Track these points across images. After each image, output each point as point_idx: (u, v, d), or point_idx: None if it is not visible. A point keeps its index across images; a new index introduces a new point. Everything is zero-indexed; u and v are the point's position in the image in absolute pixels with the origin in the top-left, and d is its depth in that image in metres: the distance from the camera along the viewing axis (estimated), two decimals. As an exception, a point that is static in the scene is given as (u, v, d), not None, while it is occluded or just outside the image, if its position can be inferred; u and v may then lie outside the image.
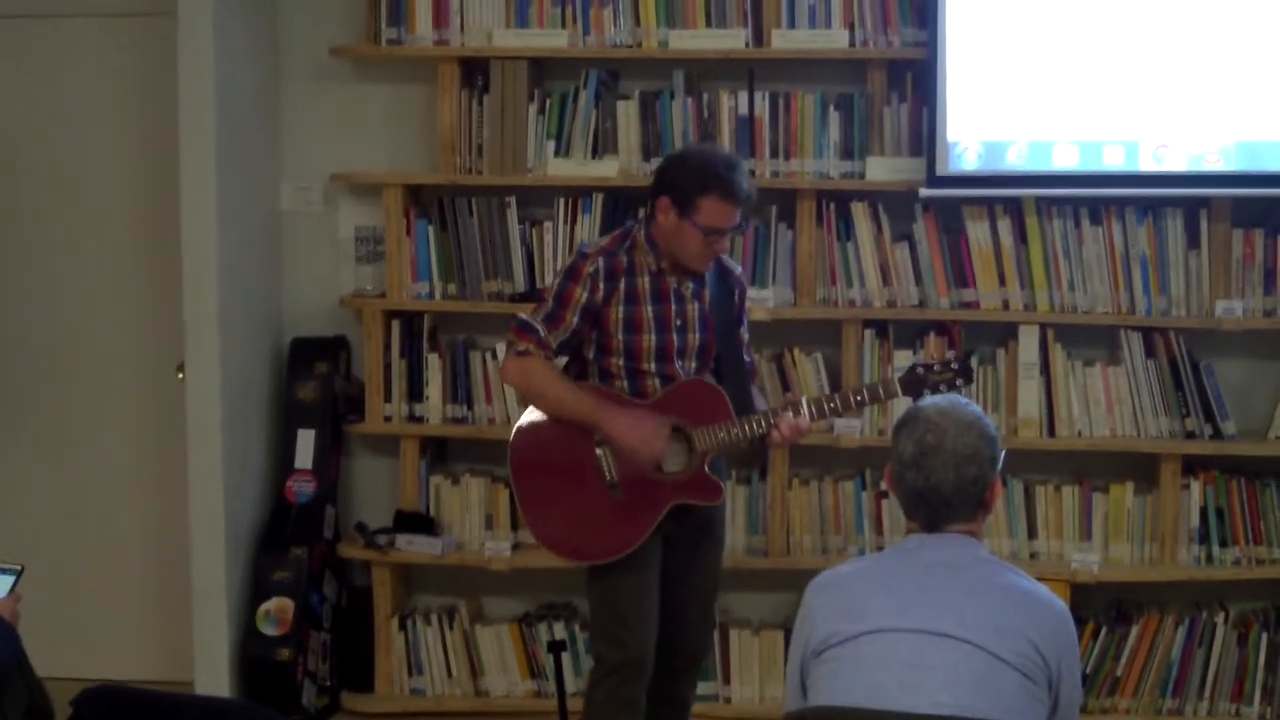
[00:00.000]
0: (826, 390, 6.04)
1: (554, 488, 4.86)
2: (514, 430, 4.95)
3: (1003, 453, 3.62)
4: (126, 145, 6.44)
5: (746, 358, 5.06)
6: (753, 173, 6.02)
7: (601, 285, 4.77)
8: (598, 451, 4.80)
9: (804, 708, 3.37)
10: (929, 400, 3.73)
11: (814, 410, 4.86)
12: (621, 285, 4.79)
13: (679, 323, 4.84)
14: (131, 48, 6.38)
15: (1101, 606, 6.15)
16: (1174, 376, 6.02)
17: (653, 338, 4.81)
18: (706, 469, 4.85)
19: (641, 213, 4.94)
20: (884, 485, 5.72)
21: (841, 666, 3.41)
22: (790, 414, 4.81)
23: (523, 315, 4.85)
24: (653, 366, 4.83)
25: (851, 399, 4.93)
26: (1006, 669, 3.33)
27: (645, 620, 4.88)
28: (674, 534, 4.90)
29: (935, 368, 4.87)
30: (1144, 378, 6.04)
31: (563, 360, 4.91)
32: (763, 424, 4.83)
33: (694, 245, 4.75)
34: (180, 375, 6.10)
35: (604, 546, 4.83)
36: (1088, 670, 6.01)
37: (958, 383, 4.85)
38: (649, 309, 4.81)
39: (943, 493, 3.51)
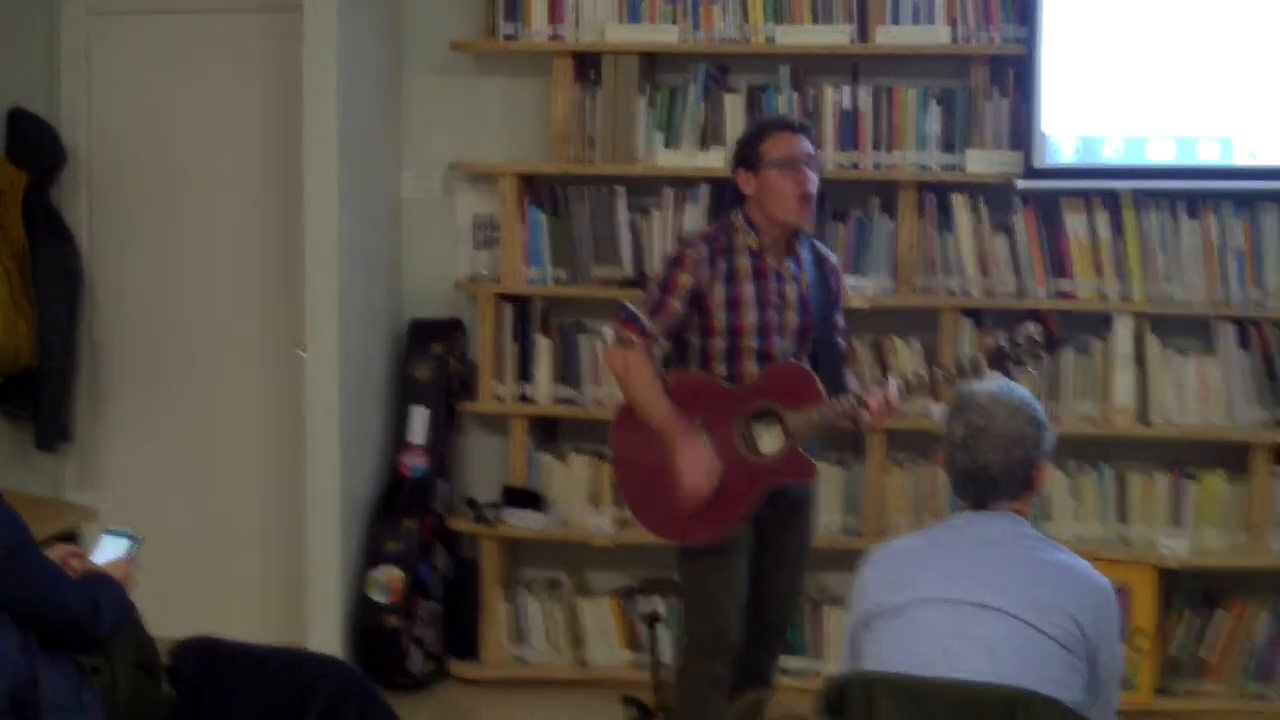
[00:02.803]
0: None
1: (653, 469, 4.97)
2: (617, 412, 5.13)
3: (1052, 436, 3.76)
4: (254, 134, 6.73)
5: (841, 341, 5.20)
6: (855, 165, 6.24)
7: (706, 269, 4.93)
8: (698, 434, 4.92)
9: (845, 673, 3.54)
10: (981, 385, 3.88)
11: (900, 386, 4.99)
12: (723, 265, 4.94)
13: (778, 301, 4.97)
14: (259, 41, 6.67)
15: (1190, 592, 6.24)
16: (1267, 367, 6.11)
17: (754, 314, 4.94)
18: (800, 449, 5.00)
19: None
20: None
21: (888, 635, 3.57)
22: (878, 391, 4.95)
23: (629, 305, 5.01)
24: (754, 343, 4.95)
25: (939, 374, 5.06)
26: (1045, 640, 3.46)
27: (735, 599, 5.02)
28: (765, 513, 5.02)
29: (1020, 342, 4.96)
30: (1237, 368, 6.13)
31: (666, 345, 5.05)
32: (853, 403, 4.95)
33: (783, 187, 4.89)
34: (302, 353, 6.37)
35: (703, 529, 4.96)
36: (1173, 653, 6.13)
37: (1041, 355, 4.97)
38: (749, 287, 4.95)
39: (990, 473, 3.65)
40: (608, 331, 6.33)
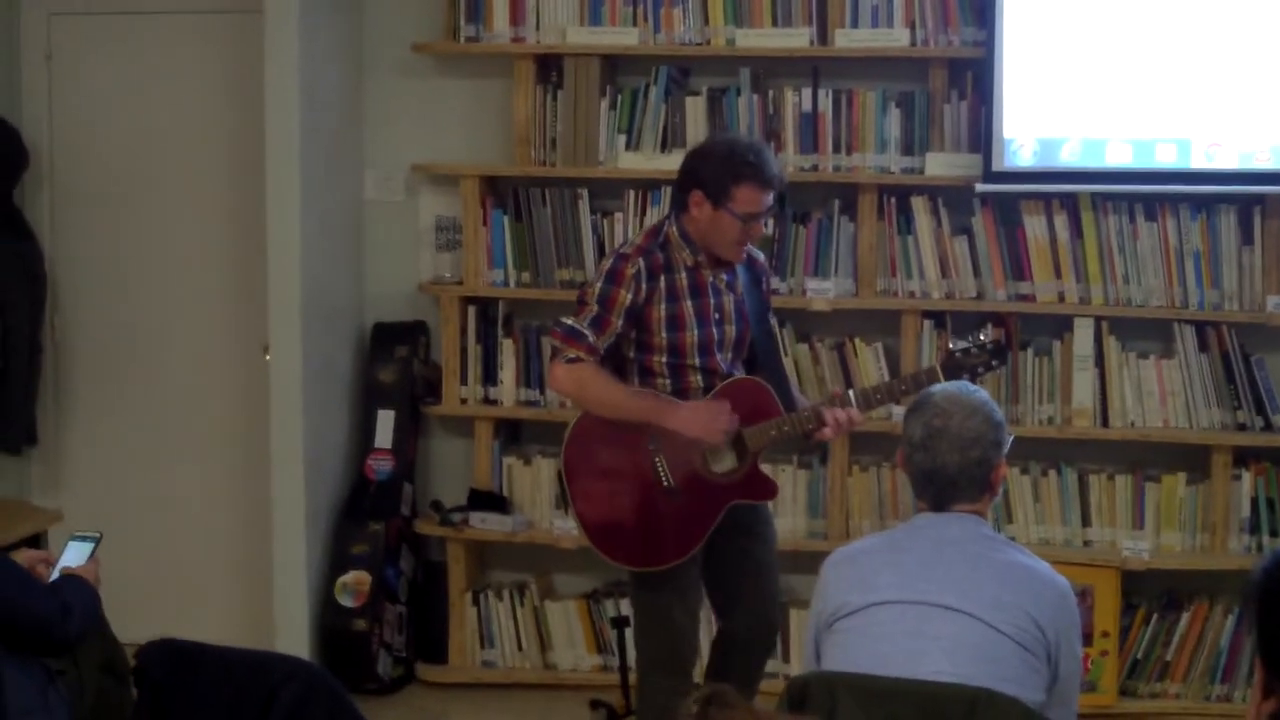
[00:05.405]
0: (887, 378, 6.20)
1: (610, 493, 4.91)
2: (566, 436, 4.97)
3: (1010, 438, 3.79)
4: (216, 135, 6.72)
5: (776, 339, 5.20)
6: (815, 167, 6.25)
7: (644, 286, 4.80)
8: (654, 457, 4.85)
9: (808, 673, 3.57)
10: (940, 386, 3.91)
11: (861, 402, 4.91)
12: (661, 283, 4.83)
13: (717, 316, 4.89)
14: (220, 42, 6.68)
15: (1153, 594, 6.28)
16: (1226, 369, 6.15)
17: (695, 333, 4.85)
18: (759, 468, 4.96)
19: (667, 210, 4.99)
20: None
21: (850, 636, 3.60)
22: (838, 408, 4.88)
23: (568, 321, 4.85)
24: (696, 360, 4.87)
25: (896, 388, 4.99)
26: (1004, 640, 3.49)
27: (689, 614, 4.99)
28: (719, 527, 4.93)
29: (973, 350, 4.86)
30: (1196, 370, 6.17)
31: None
32: (811, 420, 4.89)
33: (731, 233, 4.79)
34: (267, 356, 6.37)
35: (663, 551, 4.88)
36: (1139, 655, 6.17)
37: (994, 363, 4.91)
38: (689, 304, 4.85)
39: (948, 473, 3.69)
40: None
